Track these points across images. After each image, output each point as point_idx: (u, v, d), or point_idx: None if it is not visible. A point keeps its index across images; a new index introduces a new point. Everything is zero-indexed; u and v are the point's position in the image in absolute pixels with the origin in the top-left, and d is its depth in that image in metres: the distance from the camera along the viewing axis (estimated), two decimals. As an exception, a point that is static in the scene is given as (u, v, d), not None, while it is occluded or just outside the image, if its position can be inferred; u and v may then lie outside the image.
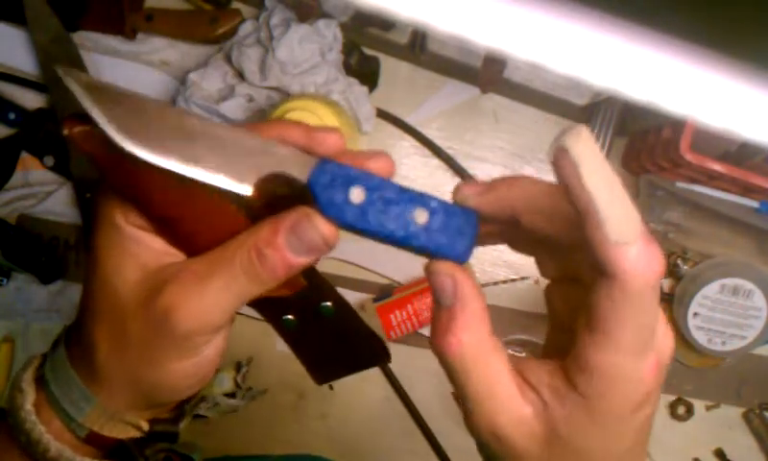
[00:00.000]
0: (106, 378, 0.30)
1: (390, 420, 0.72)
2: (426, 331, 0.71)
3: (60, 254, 0.71)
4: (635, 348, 0.24)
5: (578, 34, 0.18)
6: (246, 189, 0.27)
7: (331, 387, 0.71)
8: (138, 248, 0.29)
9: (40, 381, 0.32)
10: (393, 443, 0.72)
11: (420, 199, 0.27)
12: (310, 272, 0.30)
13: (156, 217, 0.29)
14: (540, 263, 0.31)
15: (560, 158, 0.23)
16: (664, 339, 0.26)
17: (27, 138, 0.71)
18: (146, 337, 0.29)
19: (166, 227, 0.29)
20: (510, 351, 0.28)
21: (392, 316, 0.68)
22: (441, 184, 0.73)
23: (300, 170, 0.27)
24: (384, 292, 0.71)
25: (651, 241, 0.23)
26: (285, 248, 0.27)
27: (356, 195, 0.27)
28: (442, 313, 0.27)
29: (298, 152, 0.28)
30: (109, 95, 0.26)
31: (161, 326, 0.28)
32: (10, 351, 0.71)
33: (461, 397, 0.27)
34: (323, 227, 0.27)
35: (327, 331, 0.33)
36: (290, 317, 0.32)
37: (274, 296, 0.30)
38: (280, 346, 0.68)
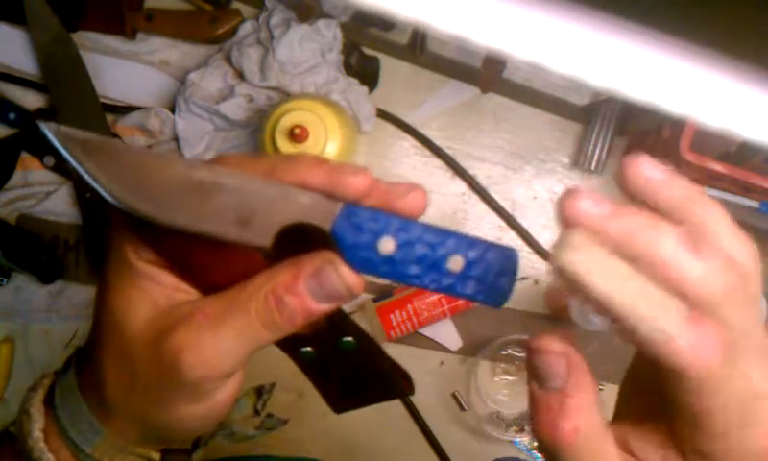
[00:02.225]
0: (114, 412, 0.29)
1: (390, 420, 0.72)
2: (427, 331, 0.71)
3: (60, 255, 0.71)
4: (737, 424, 0.22)
5: (578, 34, 0.18)
6: (264, 242, 0.25)
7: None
8: (150, 284, 0.27)
9: (49, 405, 0.31)
10: (393, 443, 0.72)
11: (455, 245, 0.26)
12: (334, 310, 0.29)
13: (171, 254, 0.27)
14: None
15: (564, 276, 0.22)
16: None
17: (27, 138, 0.71)
18: (155, 379, 0.28)
19: (181, 263, 0.28)
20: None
21: (392, 316, 0.68)
22: (441, 184, 0.73)
23: (323, 218, 0.25)
24: (384, 292, 0.71)
25: (700, 324, 0.21)
26: (306, 295, 0.26)
27: (385, 245, 0.25)
28: (550, 396, 0.24)
29: (320, 198, 0.26)
30: (108, 153, 0.24)
31: (170, 370, 0.26)
32: (10, 351, 0.70)
33: None
34: (347, 275, 0.26)
35: (348, 364, 0.31)
36: (308, 349, 0.31)
37: (291, 334, 0.29)
38: (280, 346, 0.68)
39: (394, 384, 0.33)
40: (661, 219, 0.22)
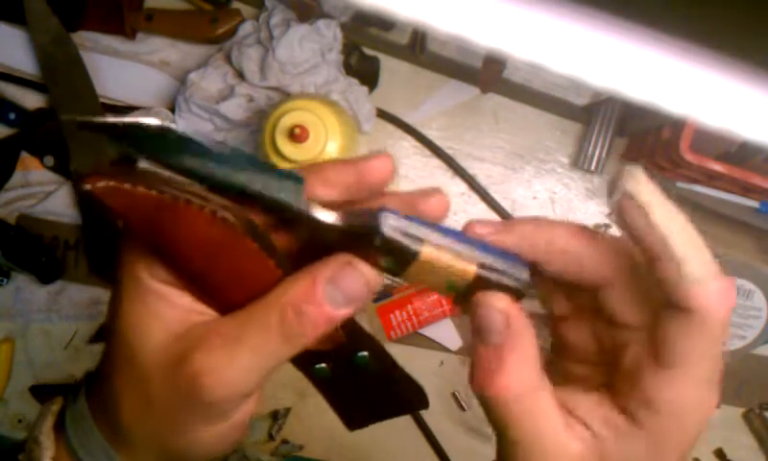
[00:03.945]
0: (129, 439, 0.29)
1: (390, 420, 0.72)
2: (427, 331, 0.71)
3: (60, 255, 0.71)
4: (709, 379, 0.25)
5: (578, 34, 0.18)
6: (330, 217, 0.25)
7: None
8: (164, 306, 0.27)
9: (59, 431, 0.30)
10: (393, 443, 0.72)
11: (471, 251, 0.26)
12: (349, 322, 0.28)
13: (186, 272, 0.26)
14: (548, 301, 0.30)
15: (626, 205, 0.24)
16: None
17: (27, 138, 0.71)
18: (172, 403, 0.27)
19: (196, 282, 0.27)
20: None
21: (392, 316, 0.68)
22: (441, 185, 0.73)
23: (364, 222, 0.25)
24: (384, 292, 0.71)
25: (724, 278, 0.24)
26: (325, 301, 0.25)
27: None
28: (488, 351, 0.25)
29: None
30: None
31: (188, 393, 0.26)
32: (10, 351, 0.70)
33: (503, 439, 0.26)
34: (368, 273, 0.25)
35: (362, 380, 0.31)
36: (322, 366, 0.30)
37: (310, 350, 0.28)
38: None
39: (408, 399, 0.32)
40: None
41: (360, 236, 0.25)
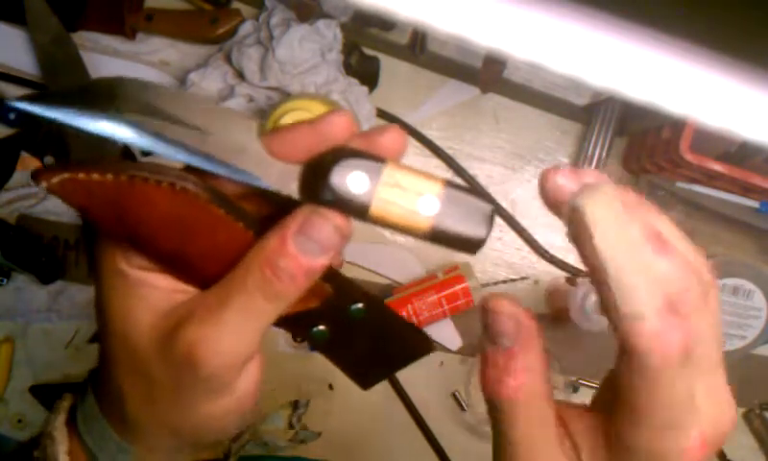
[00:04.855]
0: (140, 429, 0.29)
1: (390, 420, 0.72)
2: (426, 331, 0.71)
3: (60, 255, 0.71)
4: (668, 424, 0.23)
5: (578, 34, 0.18)
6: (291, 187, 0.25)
7: (331, 387, 0.71)
8: (147, 290, 0.27)
9: (71, 426, 0.31)
10: (393, 443, 0.72)
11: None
12: (333, 275, 0.28)
13: (160, 254, 0.26)
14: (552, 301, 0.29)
15: (573, 219, 0.22)
16: (715, 409, 0.23)
17: (27, 138, 0.71)
18: (173, 382, 0.27)
19: (172, 262, 0.27)
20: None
21: (392, 316, 0.68)
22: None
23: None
24: (384, 292, 0.71)
25: (674, 312, 0.21)
26: (299, 253, 0.25)
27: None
28: (498, 353, 0.25)
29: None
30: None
31: (185, 368, 0.26)
32: (10, 351, 0.70)
33: (503, 438, 0.26)
34: (334, 217, 0.25)
35: (363, 334, 0.31)
36: (320, 328, 0.30)
37: (301, 310, 0.28)
38: (281, 346, 0.69)
39: (412, 345, 0.32)
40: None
41: (315, 195, 0.25)
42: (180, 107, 0.25)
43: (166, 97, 0.25)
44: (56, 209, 0.71)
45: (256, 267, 0.25)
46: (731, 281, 0.70)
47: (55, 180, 0.24)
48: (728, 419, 0.24)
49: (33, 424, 0.70)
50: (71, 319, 0.71)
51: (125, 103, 0.24)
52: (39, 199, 0.71)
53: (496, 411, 0.26)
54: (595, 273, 0.22)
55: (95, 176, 0.24)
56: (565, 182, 0.23)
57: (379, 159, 0.25)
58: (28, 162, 0.71)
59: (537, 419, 0.25)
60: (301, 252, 0.25)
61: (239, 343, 0.26)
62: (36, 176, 0.24)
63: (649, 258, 0.21)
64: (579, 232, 0.22)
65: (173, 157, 0.24)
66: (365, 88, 0.70)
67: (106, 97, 0.24)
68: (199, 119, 0.25)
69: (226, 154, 0.25)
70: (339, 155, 0.25)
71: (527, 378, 0.25)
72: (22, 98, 0.23)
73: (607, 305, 0.22)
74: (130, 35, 0.71)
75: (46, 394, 0.69)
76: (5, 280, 0.71)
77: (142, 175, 0.24)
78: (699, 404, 0.23)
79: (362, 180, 0.24)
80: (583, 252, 0.22)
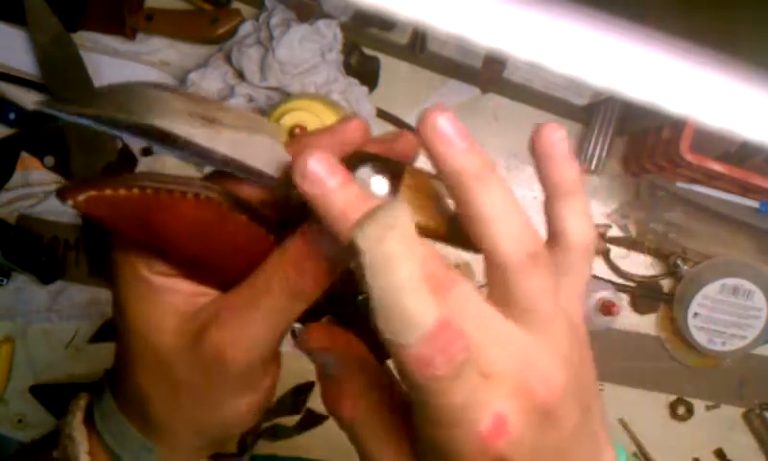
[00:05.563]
0: (165, 428, 0.30)
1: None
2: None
3: (60, 255, 0.71)
4: (449, 423, 0.22)
5: (578, 34, 0.18)
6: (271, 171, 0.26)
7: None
8: (170, 295, 0.28)
9: (89, 426, 0.31)
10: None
11: None
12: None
13: (183, 259, 0.27)
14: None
15: (355, 242, 0.20)
16: (515, 377, 0.22)
17: (27, 138, 0.71)
18: (200, 382, 0.28)
19: (194, 266, 0.27)
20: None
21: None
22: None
23: None
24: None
25: (440, 328, 0.20)
26: (321, 253, 0.26)
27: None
28: (328, 380, 0.27)
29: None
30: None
31: (215, 367, 0.27)
32: (10, 351, 0.70)
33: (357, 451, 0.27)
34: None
35: (369, 323, 0.31)
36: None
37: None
38: (281, 346, 0.68)
39: None
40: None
41: None
42: (220, 112, 0.26)
43: (204, 103, 0.26)
44: (56, 209, 0.71)
45: (281, 268, 0.26)
46: (731, 281, 0.70)
47: (81, 198, 0.24)
48: (541, 376, 0.23)
49: (33, 424, 0.69)
50: (71, 319, 0.71)
51: (159, 107, 0.25)
52: (39, 199, 0.71)
53: (343, 428, 0.26)
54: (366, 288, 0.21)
55: (122, 191, 0.25)
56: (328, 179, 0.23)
57: (399, 164, 0.26)
58: (28, 162, 0.71)
59: (381, 431, 0.26)
60: (324, 251, 0.26)
61: (266, 341, 0.27)
62: (61, 194, 0.24)
63: (423, 298, 0.20)
64: (355, 253, 0.20)
65: (202, 159, 0.25)
66: (365, 88, 0.70)
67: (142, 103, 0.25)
68: (228, 123, 0.26)
69: (253, 159, 0.26)
70: (361, 159, 0.25)
71: (361, 398, 0.26)
72: (48, 103, 0.23)
73: (379, 334, 0.21)
74: (130, 35, 0.71)
75: (46, 394, 0.69)
76: (5, 280, 0.71)
77: (167, 187, 0.25)
78: (485, 393, 0.22)
79: (384, 183, 0.25)
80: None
